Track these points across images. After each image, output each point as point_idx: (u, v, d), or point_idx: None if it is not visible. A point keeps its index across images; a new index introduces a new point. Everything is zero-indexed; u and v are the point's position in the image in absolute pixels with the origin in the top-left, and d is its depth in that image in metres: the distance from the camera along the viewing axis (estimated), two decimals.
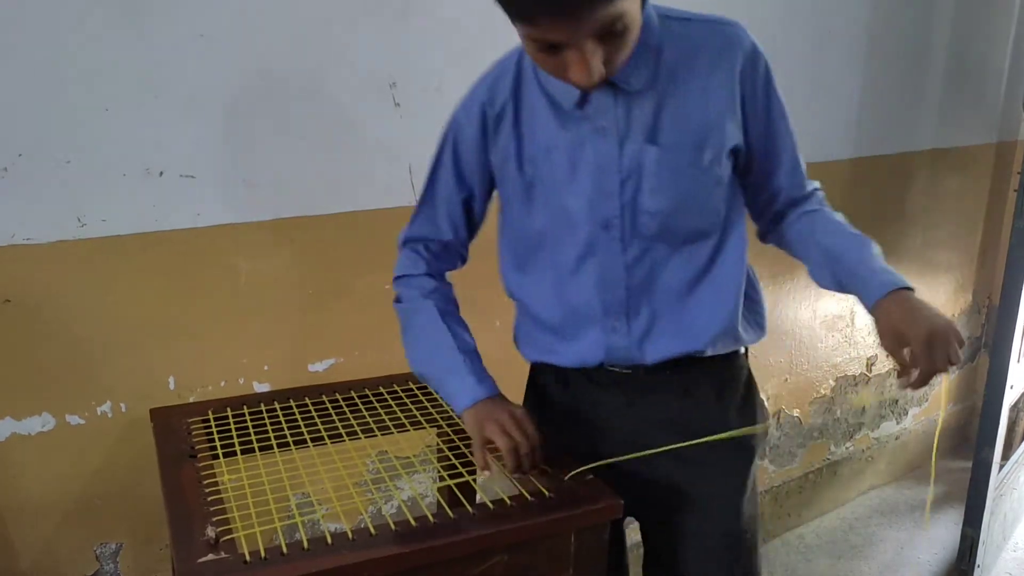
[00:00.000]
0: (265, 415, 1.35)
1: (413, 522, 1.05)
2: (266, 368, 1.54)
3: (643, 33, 1.02)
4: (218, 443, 1.26)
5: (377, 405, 1.40)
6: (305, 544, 1.00)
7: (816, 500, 2.68)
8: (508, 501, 1.10)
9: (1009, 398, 2.19)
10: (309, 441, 1.28)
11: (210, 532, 1.02)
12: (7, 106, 1.25)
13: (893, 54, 2.44)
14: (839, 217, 1.19)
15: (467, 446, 1.27)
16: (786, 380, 2.48)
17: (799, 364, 2.50)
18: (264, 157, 1.47)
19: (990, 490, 2.23)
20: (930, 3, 2.50)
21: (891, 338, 1.02)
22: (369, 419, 1.36)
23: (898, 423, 2.93)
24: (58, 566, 1.44)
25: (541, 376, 1.32)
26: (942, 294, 2.93)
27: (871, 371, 2.74)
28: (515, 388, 1.31)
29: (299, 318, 1.56)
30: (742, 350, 1.25)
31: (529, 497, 1.11)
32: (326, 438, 1.30)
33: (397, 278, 1.25)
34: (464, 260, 1.28)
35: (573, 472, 1.14)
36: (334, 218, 1.54)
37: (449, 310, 1.21)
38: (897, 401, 2.90)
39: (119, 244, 1.38)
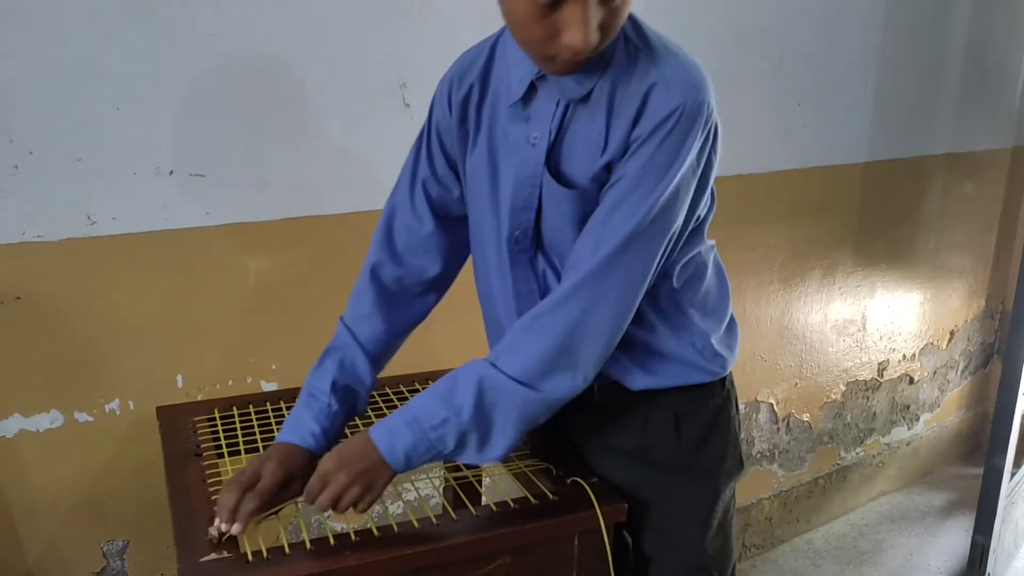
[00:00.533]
0: (271, 414, 1.35)
1: (416, 523, 1.05)
2: (274, 367, 1.55)
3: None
4: (223, 442, 1.26)
5: (383, 405, 1.40)
6: (308, 544, 1.00)
7: (826, 505, 2.67)
8: (512, 503, 1.10)
9: (1022, 404, 2.17)
10: None
11: (213, 531, 1.02)
12: (18, 104, 1.26)
13: (908, 57, 2.42)
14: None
15: None
16: (796, 384, 2.47)
17: (809, 368, 2.49)
18: (274, 157, 1.47)
19: (1001, 497, 2.21)
20: (946, 5, 2.48)
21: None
22: (375, 419, 1.36)
23: (909, 429, 2.91)
24: (65, 563, 1.44)
25: None
26: (955, 299, 2.91)
27: (882, 376, 2.73)
28: None
29: (307, 318, 1.57)
30: (711, 381, 1.15)
31: (533, 499, 1.11)
32: None
33: (354, 300, 1.21)
34: (446, 272, 1.20)
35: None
36: (344, 218, 1.55)
37: (340, 345, 1.16)
38: (909, 407, 2.88)
39: (129, 242, 1.38)
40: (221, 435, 1.29)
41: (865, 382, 2.68)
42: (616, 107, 0.96)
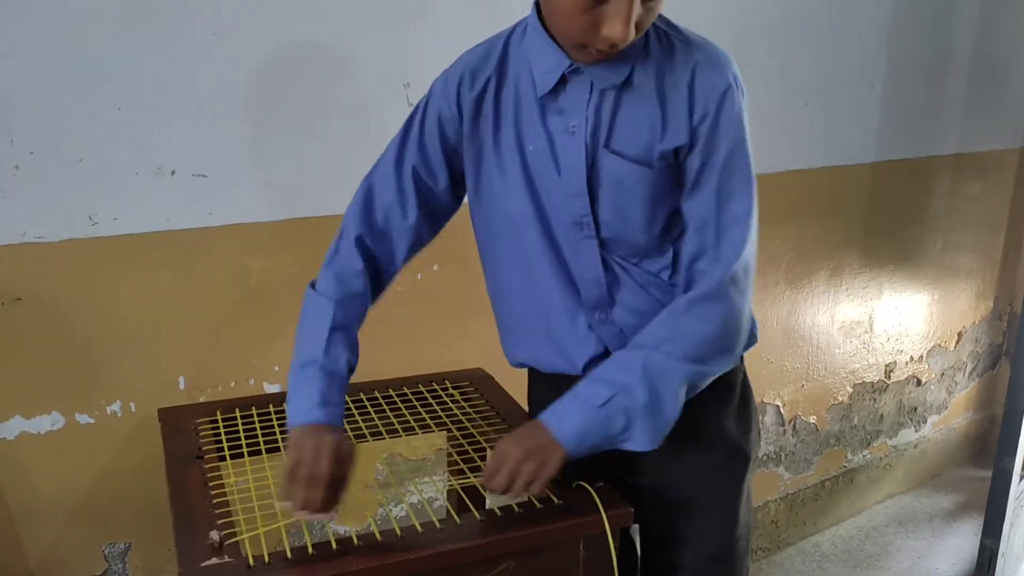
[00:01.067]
0: (274, 416, 1.34)
1: (419, 528, 1.04)
2: (276, 369, 1.54)
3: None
4: (225, 444, 1.25)
5: (386, 407, 1.39)
6: (310, 549, 0.99)
7: (832, 508, 2.65)
8: (516, 508, 1.09)
9: None
10: None
11: (214, 536, 1.01)
12: (19, 103, 1.25)
13: (915, 56, 2.40)
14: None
15: (476, 450, 1.26)
16: (803, 386, 2.45)
17: (816, 370, 2.47)
18: (276, 157, 1.46)
19: (1010, 500, 2.19)
20: (953, 5, 2.46)
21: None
22: (378, 422, 1.35)
23: (916, 431, 2.89)
24: (66, 565, 1.44)
25: (534, 379, 1.32)
26: (963, 300, 2.89)
27: (890, 378, 2.71)
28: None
29: None
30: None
31: (538, 504, 1.10)
32: None
33: (328, 262, 1.16)
34: (397, 254, 1.18)
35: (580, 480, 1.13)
36: None
37: (345, 326, 1.12)
38: (916, 409, 2.86)
39: (130, 243, 1.37)
40: (223, 437, 1.28)
41: (872, 384, 2.66)
42: (667, 90, 1.04)
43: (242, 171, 1.44)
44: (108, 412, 1.41)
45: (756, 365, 2.29)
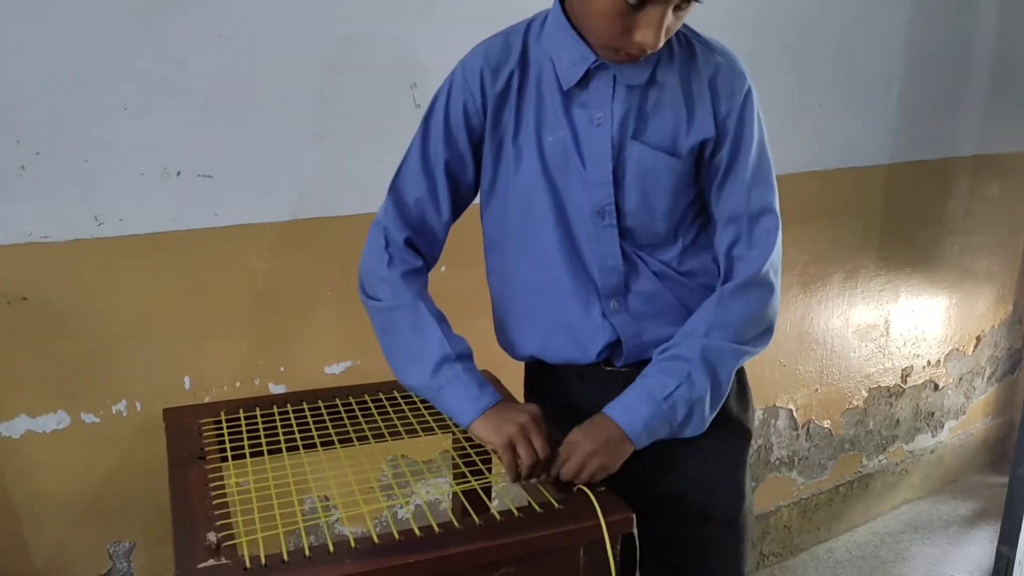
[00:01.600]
0: (277, 417, 1.34)
1: (418, 532, 1.03)
2: (282, 370, 1.53)
3: None
4: (228, 445, 1.25)
5: (390, 410, 1.38)
6: (307, 552, 0.98)
7: (847, 513, 2.62)
8: (516, 512, 1.07)
9: None
10: (319, 445, 1.27)
11: (211, 537, 1.00)
12: (25, 104, 1.26)
13: (933, 56, 2.37)
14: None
15: (479, 453, 1.25)
16: (816, 390, 2.42)
17: (830, 374, 2.44)
18: (282, 157, 1.46)
19: None
20: (972, 4, 2.43)
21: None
22: (381, 424, 1.34)
23: (933, 436, 2.85)
24: (71, 564, 1.44)
25: (537, 376, 1.33)
26: (981, 304, 2.84)
27: (906, 382, 2.67)
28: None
29: (316, 320, 1.55)
30: None
31: (538, 508, 1.08)
32: (336, 442, 1.29)
33: (387, 269, 1.16)
34: (437, 254, 1.24)
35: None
36: (353, 219, 1.53)
37: (439, 314, 1.17)
38: (933, 414, 2.82)
39: (136, 243, 1.38)
40: (226, 438, 1.27)
41: (888, 388, 2.63)
42: (692, 88, 1.11)
43: (248, 172, 1.44)
44: (113, 411, 1.41)
45: (769, 368, 2.26)
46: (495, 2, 1.53)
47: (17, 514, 1.38)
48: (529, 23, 1.15)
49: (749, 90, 1.14)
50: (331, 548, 0.99)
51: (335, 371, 1.58)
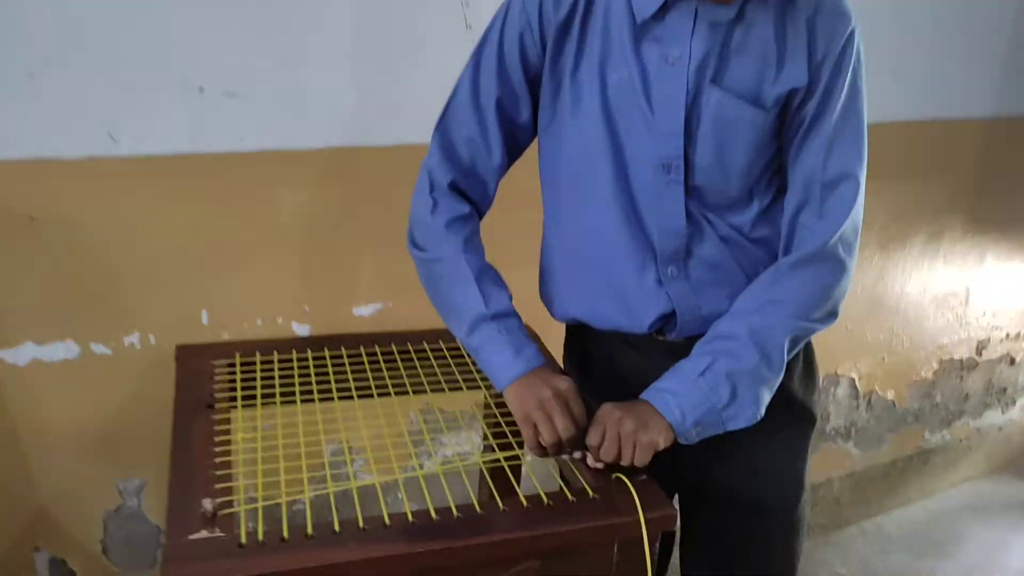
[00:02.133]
0: (295, 364, 1.24)
1: (435, 515, 0.92)
2: (307, 309, 1.43)
3: None
4: (239, 392, 1.15)
5: (417, 363, 1.27)
6: (309, 530, 0.88)
7: (901, 489, 2.47)
8: (546, 499, 0.96)
9: None
10: (336, 397, 1.16)
11: (207, 505, 0.91)
12: (33, 4, 1.13)
13: None
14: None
15: (510, 424, 1.13)
16: (883, 359, 2.25)
17: (899, 343, 2.26)
18: (317, 79, 1.32)
19: None
20: None
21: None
22: (406, 378, 1.23)
23: (1003, 413, 2.66)
24: (79, 498, 1.38)
25: (578, 339, 1.21)
26: None
27: (981, 355, 2.48)
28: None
29: (345, 257, 1.43)
30: None
31: (570, 496, 0.97)
32: (355, 395, 1.18)
33: (430, 217, 1.05)
34: (488, 202, 1.12)
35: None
36: (391, 151, 1.39)
37: (483, 268, 1.06)
38: (1006, 390, 2.63)
39: (154, 164, 1.26)
40: (238, 384, 1.18)
41: (961, 361, 2.44)
42: (786, 26, 0.95)
43: (278, 92, 1.30)
44: (126, 343, 1.32)
45: (832, 333, 2.05)
46: None
47: (23, 447, 1.31)
48: None
49: (852, 33, 0.97)
50: (336, 527, 0.89)
51: (364, 313, 1.47)
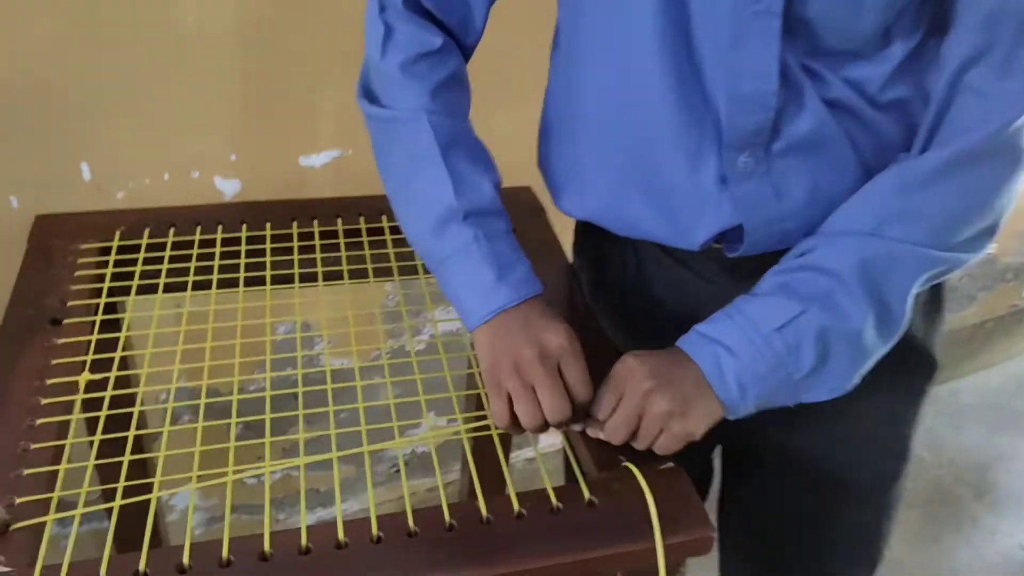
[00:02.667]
0: (196, 247, 0.89)
1: (343, 539, 0.60)
2: (233, 158, 1.05)
3: None
4: (105, 293, 0.82)
5: (389, 238, 0.91)
6: (142, 565, 0.57)
7: (985, 350, 2.14)
8: (518, 508, 0.63)
9: None
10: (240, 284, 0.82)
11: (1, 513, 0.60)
12: None
13: None
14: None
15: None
16: None
17: None
18: None
19: None
20: None
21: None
22: (392, 254, 0.88)
23: None
24: None
25: (590, 235, 0.85)
26: None
27: None
28: None
29: (286, 87, 1.04)
30: None
31: (556, 502, 0.64)
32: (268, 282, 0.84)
33: (380, 56, 0.71)
34: (473, 37, 0.77)
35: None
36: None
37: (455, 135, 0.72)
38: None
39: None
40: (107, 280, 0.84)
41: None
42: None
43: None
44: None
45: None
46: None
47: None
48: None
49: None
50: (186, 561, 0.58)
51: (314, 163, 1.09)
